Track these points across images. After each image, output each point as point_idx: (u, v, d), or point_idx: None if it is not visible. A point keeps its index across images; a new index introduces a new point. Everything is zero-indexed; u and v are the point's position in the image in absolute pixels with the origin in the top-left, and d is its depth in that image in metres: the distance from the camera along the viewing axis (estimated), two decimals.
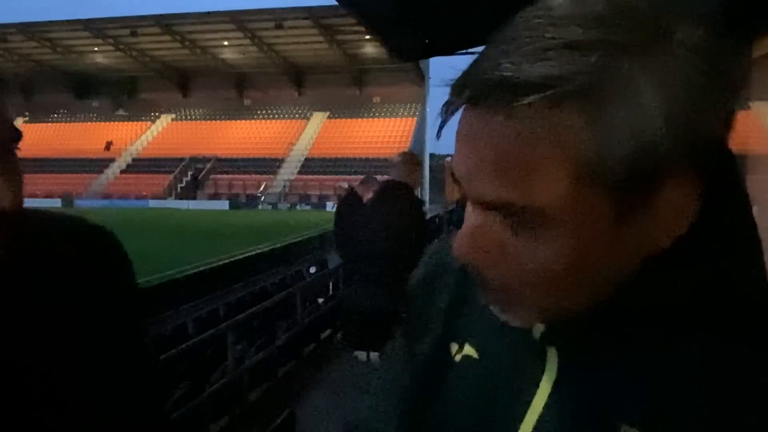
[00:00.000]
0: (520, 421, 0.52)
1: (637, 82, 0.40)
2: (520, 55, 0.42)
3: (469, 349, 0.59)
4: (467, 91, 0.44)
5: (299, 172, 43.03)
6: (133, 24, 40.59)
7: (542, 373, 0.52)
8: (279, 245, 15.59)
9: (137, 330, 0.90)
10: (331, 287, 8.33)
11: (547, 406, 0.51)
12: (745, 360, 0.44)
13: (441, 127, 0.47)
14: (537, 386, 0.52)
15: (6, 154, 0.72)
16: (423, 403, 0.62)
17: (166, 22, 39.78)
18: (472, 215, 0.48)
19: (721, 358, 0.45)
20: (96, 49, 45.03)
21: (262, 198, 40.96)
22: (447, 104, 0.46)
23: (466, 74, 0.45)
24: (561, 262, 0.45)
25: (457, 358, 0.59)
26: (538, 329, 0.53)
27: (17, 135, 0.73)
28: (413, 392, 0.64)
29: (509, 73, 0.41)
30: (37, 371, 0.75)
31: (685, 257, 0.46)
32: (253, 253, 14.22)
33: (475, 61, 0.45)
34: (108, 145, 47.35)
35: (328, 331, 6.92)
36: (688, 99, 0.41)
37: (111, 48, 44.14)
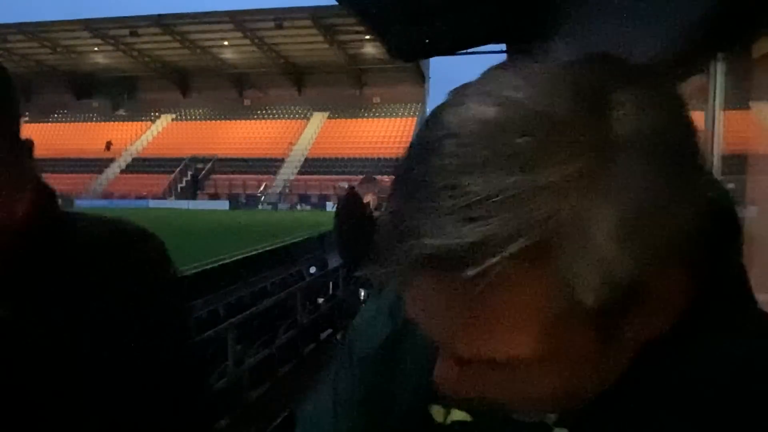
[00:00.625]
0: None
1: (580, 220, 0.35)
2: (442, 214, 0.36)
3: (459, 414, 0.53)
4: (396, 265, 0.38)
5: (299, 172, 43.05)
6: (133, 24, 40.55)
7: None
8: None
9: (181, 326, 0.92)
10: (331, 287, 8.34)
11: None
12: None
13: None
14: None
15: (23, 163, 0.76)
16: None
17: (166, 22, 39.75)
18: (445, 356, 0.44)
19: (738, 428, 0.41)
20: (96, 49, 45.03)
21: (262, 198, 40.98)
22: (378, 272, 0.39)
23: (388, 240, 0.38)
24: (550, 386, 0.42)
25: (447, 422, 0.54)
26: (550, 417, 0.49)
27: (31, 144, 0.79)
28: None
29: (442, 241, 0.35)
30: (84, 370, 0.77)
31: (686, 335, 0.43)
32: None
33: (394, 219, 0.38)
34: (108, 145, 47.34)
35: (328, 331, 6.93)
36: (650, 208, 0.36)
37: (111, 48, 44.13)
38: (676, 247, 0.38)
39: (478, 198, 0.35)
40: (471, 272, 0.35)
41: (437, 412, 0.54)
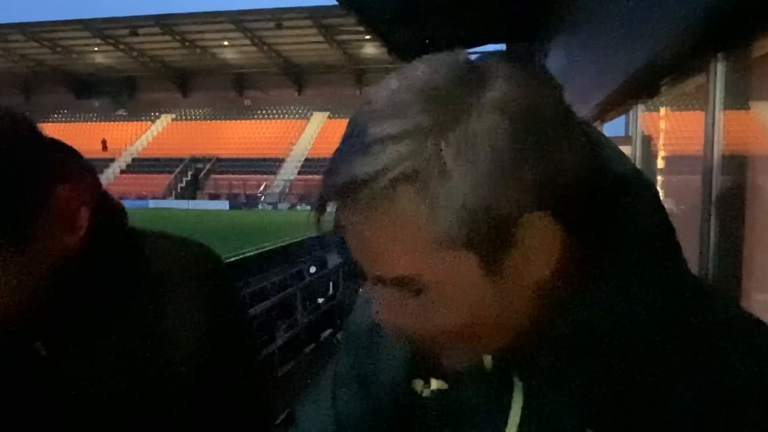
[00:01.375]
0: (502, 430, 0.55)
1: (444, 159, 0.45)
2: (352, 153, 0.47)
3: (437, 383, 0.60)
4: (325, 190, 0.49)
5: (299, 172, 43.03)
6: (133, 24, 40.51)
7: (511, 394, 0.55)
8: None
9: (252, 345, 0.97)
10: (331, 287, 8.34)
11: (522, 421, 0.54)
12: (688, 355, 0.48)
13: (318, 219, 0.50)
14: (509, 406, 0.55)
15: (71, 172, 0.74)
16: None
17: (166, 22, 39.73)
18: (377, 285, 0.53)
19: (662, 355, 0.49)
20: (96, 49, 44.98)
21: (262, 198, 40.97)
22: (317, 200, 0.50)
23: (326, 171, 0.49)
24: (454, 315, 0.50)
25: (425, 393, 0.61)
26: (487, 360, 0.56)
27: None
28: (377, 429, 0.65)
29: (347, 172, 0.46)
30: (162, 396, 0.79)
31: (595, 275, 0.50)
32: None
33: (332, 157, 0.49)
34: (104, 144, 47.21)
35: (328, 331, 6.92)
36: (499, 160, 0.45)
37: (111, 48, 44.09)
38: (533, 195, 0.46)
39: (374, 139, 0.46)
40: (363, 194, 0.46)
41: (418, 384, 0.61)
